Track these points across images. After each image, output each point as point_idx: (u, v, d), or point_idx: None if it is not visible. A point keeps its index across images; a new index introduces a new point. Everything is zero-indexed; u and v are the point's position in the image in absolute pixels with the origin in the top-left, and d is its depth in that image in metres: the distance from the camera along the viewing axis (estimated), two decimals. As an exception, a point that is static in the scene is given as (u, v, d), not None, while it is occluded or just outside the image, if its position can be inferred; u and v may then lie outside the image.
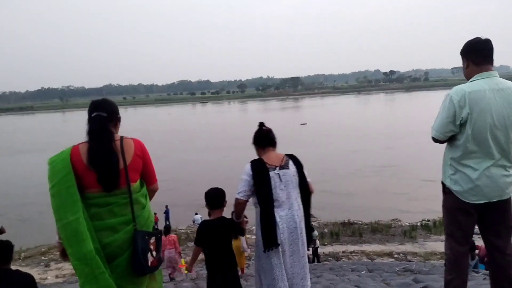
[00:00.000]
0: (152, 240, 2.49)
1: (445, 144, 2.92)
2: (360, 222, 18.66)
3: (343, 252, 14.72)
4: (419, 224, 18.16)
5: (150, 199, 2.59)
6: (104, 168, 2.31)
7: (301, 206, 3.18)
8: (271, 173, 3.11)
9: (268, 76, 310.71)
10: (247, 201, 3.16)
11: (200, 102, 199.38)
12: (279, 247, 3.06)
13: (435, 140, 2.90)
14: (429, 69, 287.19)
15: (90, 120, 2.47)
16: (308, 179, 3.26)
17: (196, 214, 20.63)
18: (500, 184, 2.72)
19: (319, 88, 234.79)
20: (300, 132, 55.66)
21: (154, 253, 2.49)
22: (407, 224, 18.32)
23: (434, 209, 16.38)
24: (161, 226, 19.93)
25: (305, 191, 3.22)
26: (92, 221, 2.30)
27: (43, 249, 18.15)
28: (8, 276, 3.21)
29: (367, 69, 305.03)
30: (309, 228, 3.24)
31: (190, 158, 40.28)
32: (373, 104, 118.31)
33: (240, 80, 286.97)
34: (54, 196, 2.28)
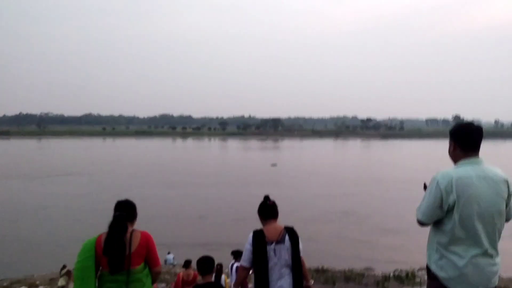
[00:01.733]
0: None
1: (429, 226, 2.92)
2: (334, 270, 19.17)
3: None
4: (391, 274, 18.61)
5: (154, 279, 3.50)
6: (112, 255, 3.20)
7: (291, 278, 3.60)
8: (268, 248, 3.58)
9: (250, 115, 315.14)
10: (250, 268, 3.69)
11: (181, 137, 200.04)
12: None
13: (421, 223, 2.87)
14: (404, 119, 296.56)
15: (113, 217, 3.35)
16: (301, 254, 3.72)
17: (169, 253, 20.30)
18: (487, 273, 2.69)
19: (298, 130, 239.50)
20: (268, 173, 56.98)
21: None
22: (380, 273, 18.73)
23: (402, 260, 17.37)
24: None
25: (297, 264, 3.63)
26: None
27: (5, 284, 18.04)
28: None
29: (345, 115, 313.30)
30: None
31: (160, 193, 40.35)
32: (349, 149, 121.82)
33: (222, 117, 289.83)
34: (77, 269, 3.24)
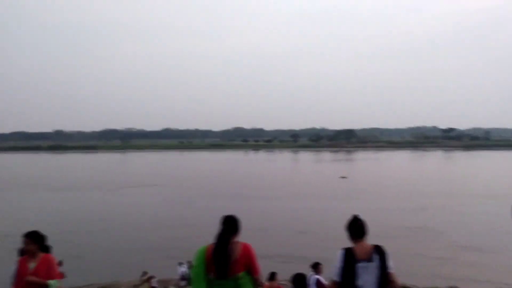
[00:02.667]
0: None
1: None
2: (416, 287, 18.27)
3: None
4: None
5: (255, 285, 3.96)
6: (218, 263, 3.78)
7: None
8: (357, 265, 3.83)
9: (322, 127, 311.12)
10: (340, 283, 3.92)
11: (253, 149, 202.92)
12: None
13: None
14: (490, 128, 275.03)
15: (220, 230, 3.94)
16: (392, 271, 3.91)
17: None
18: None
19: (373, 141, 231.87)
20: (337, 185, 55.94)
21: None
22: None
23: (486, 279, 16.48)
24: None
25: (385, 282, 3.85)
26: None
27: None
28: None
29: (424, 125, 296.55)
30: None
31: (228, 205, 40.48)
32: (427, 161, 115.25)
33: (293, 129, 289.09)
34: (193, 274, 3.99)
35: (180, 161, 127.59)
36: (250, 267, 3.88)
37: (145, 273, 18.17)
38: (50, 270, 4.72)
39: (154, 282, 17.99)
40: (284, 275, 13.21)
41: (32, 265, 4.69)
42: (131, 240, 29.45)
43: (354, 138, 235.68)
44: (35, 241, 4.74)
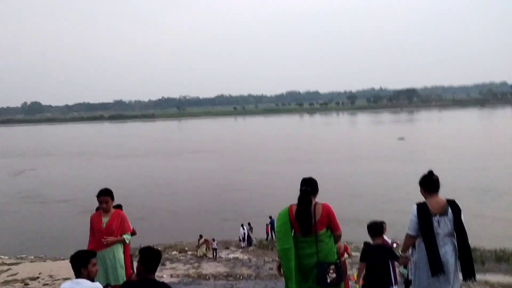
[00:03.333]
0: (332, 266, 4.05)
1: None
2: (482, 249, 16.88)
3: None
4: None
5: (336, 240, 4.21)
6: (302, 222, 4.04)
7: (454, 244, 3.99)
8: (433, 219, 3.96)
9: (381, 87, 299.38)
10: (416, 236, 4.07)
11: (308, 113, 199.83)
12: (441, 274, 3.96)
13: None
14: None
15: (300, 192, 4.10)
16: (464, 224, 3.99)
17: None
18: None
19: (436, 100, 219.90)
20: (393, 147, 54.18)
21: (333, 275, 4.02)
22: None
23: None
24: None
25: (460, 232, 3.97)
26: (297, 250, 4.09)
27: (159, 248, 19.57)
28: (150, 285, 3.29)
29: (492, 81, 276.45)
30: (466, 263, 3.99)
31: (279, 170, 41.07)
32: (496, 119, 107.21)
33: (350, 91, 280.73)
34: (278, 232, 4.17)
35: (234, 127, 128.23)
36: (331, 225, 4.13)
37: (201, 236, 18.25)
38: (123, 224, 5.07)
39: (214, 244, 17.77)
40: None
41: (105, 220, 4.97)
42: (191, 204, 29.77)
43: (416, 98, 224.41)
44: (110, 197, 4.98)
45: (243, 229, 20.23)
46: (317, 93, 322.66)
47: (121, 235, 5.00)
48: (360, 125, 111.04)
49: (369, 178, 34.47)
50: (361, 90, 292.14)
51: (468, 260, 3.97)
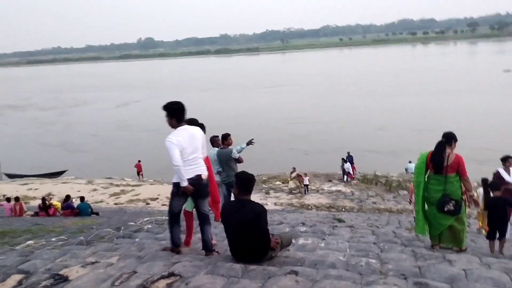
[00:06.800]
0: (453, 201, 5.07)
1: None
2: None
3: None
4: None
5: (463, 184, 5.17)
6: (435, 163, 5.14)
7: None
8: None
9: (507, 13, 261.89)
10: None
11: (422, 43, 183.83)
12: None
13: None
14: None
15: (438, 142, 5.21)
16: None
17: (410, 162, 19.83)
18: None
19: None
20: (496, 80, 49.87)
21: (451, 207, 5.07)
22: None
23: None
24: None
25: None
26: (428, 185, 5.28)
27: (264, 178, 20.34)
28: (246, 205, 3.86)
29: None
30: None
31: (370, 105, 39.82)
32: None
33: (471, 17, 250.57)
34: (416, 168, 5.38)
35: (338, 59, 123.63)
36: (460, 171, 5.13)
37: (294, 169, 18.40)
38: None
39: (306, 180, 17.85)
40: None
41: None
42: (286, 138, 30.07)
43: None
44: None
45: (345, 163, 19.89)
46: (432, 20, 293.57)
47: None
48: (480, 55, 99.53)
49: (464, 113, 32.71)
50: (484, 16, 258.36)
51: None
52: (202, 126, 4.89)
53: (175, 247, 4.47)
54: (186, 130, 4.35)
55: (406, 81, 55.08)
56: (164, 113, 4.35)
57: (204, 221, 4.54)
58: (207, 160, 4.80)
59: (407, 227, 8.36)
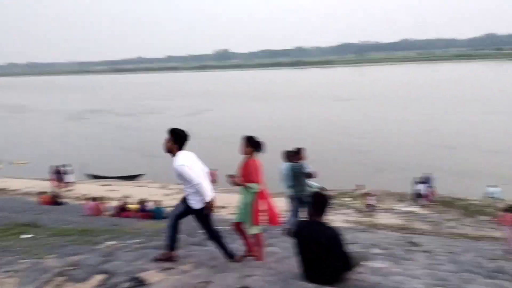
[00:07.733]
0: None
1: None
2: None
3: None
4: None
5: None
6: None
7: None
8: None
9: None
10: None
11: (508, 59, 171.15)
12: None
13: None
14: None
15: None
16: None
17: (492, 186, 18.81)
18: None
19: None
20: None
21: None
22: None
23: None
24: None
25: None
26: None
27: (332, 194, 19.95)
28: (317, 227, 3.78)
29: None
30: None
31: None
32: None
33: None
34: None
35: (415, 74, 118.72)
36: None
37: (359, 186, 17.66)
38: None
39: (371, 200, 17.10)
40: None
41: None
42: (354, 153, 29.34)
43: None
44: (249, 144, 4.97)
45: (419, 186, 18.71)
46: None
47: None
48: None
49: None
50: None
51: None
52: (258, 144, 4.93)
53: (171, 252, 4.41)
54: (185, 154, 4.53)
55: (488, 100, 51.78)
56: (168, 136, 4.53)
57: (217, 236, 4.56)
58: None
59: (491, 257, 7.72)
